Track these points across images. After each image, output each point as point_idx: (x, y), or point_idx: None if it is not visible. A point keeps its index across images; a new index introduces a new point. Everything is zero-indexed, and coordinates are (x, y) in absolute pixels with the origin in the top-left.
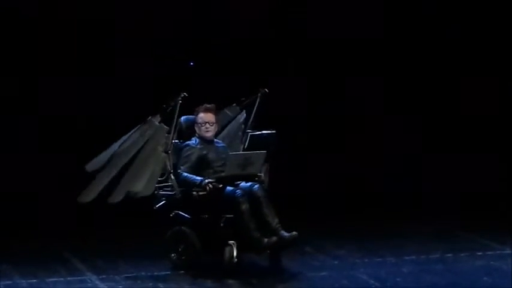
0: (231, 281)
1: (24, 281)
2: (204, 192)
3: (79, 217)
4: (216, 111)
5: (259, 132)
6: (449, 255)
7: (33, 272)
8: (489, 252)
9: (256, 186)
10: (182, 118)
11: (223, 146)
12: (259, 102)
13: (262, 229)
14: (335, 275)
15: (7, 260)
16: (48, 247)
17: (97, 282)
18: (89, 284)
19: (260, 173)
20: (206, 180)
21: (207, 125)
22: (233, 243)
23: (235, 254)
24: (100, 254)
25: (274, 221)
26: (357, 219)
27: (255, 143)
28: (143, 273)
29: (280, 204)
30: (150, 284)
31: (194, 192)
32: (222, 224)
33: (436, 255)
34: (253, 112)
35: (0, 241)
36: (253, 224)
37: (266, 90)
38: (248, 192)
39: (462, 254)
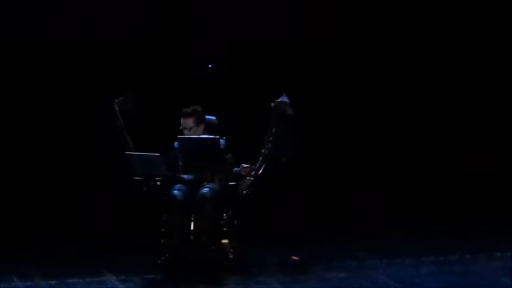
0: (246, 280)
1: (44, 281)
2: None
3: (98, 218)
4: (195, 113)
5: (195, 136)
6: (467, 256)
7: (53, 273)
8: (508, 253)
9: (205, 189)
10: None
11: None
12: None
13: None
14: (354, 275)
15: (27, 261)
16: (68, 248)
17: (116, 283)
18: (108, 285)
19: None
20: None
21: (186, 131)
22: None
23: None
24: (119, 255)
25: (197, 234)
26: (374, 221)
27: (190, 147)
28: (162, 275)
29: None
30: (169, 285)
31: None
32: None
33: (455, 256)
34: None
35: (20, 242)
36: (176, 227)
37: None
38: (194, 194)
39: (481, 255)
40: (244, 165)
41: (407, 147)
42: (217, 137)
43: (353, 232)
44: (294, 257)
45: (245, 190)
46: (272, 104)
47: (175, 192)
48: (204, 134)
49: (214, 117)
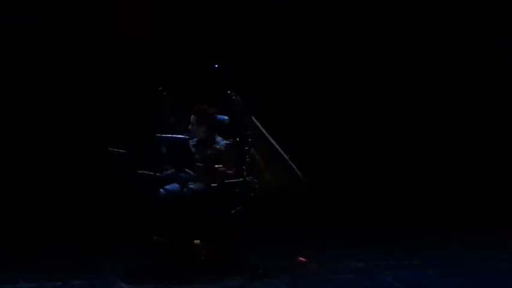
0: (252, 281)
1: (49, 283)
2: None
3: (104, 221)
4: (200, 112)
5: (168, 135)
6: (474, 258)
7: (58, 275)
8: None
9: (185, 190)
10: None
11: (220, 145)
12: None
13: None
14: (361, 277)
15: (32, 263)
16: (72, 250)
17: (122, 285)
18: (113, 287)
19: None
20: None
21: (190, 126)
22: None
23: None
24: (123, 256)
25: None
26: (382, 223)
27: (164, 145)
28: (169, 277)
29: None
30: (174, 286)
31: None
32: None
33: (462, 257)
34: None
35: (25, 244)
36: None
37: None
38: (178, 192)
39: (487, 257)
40: (216, 166)
41: (417, 147)
42: (187, 137)
43: (359, 234)
44: (301, 258)
45: (237, 191)
46: (232, 95)
47: (161, 190)
48: (205, 135)
49: (226, 117)
